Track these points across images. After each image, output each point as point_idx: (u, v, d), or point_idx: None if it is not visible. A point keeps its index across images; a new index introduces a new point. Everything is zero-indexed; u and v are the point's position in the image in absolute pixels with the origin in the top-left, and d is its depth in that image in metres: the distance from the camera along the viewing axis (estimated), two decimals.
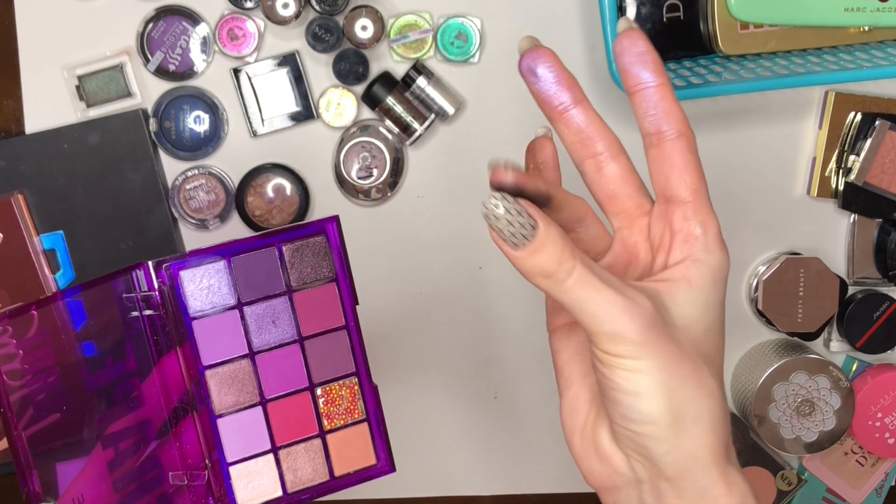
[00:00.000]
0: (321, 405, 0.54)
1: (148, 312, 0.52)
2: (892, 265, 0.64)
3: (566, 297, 0.33)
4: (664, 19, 0.60)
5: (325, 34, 0.60)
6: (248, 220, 0.63)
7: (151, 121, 0.62)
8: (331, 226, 0.53)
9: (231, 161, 0.63)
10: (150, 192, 0.63)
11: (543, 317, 0.66)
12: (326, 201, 0.64)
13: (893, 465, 0.68)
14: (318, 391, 0.54)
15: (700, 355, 0.35)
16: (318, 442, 0.54)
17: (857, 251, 0.65)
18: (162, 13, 0.61)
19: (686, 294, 0.35)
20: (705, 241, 0.35)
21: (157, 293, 0.52)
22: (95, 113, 0.62)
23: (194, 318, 0.52)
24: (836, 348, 0.67)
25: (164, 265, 0.52)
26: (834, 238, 0.66)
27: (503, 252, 0.33)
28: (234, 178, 0.63)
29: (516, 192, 0.34)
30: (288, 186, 0.63)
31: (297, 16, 0.58)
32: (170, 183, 0.63)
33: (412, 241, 0.65)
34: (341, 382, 0.54)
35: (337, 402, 0.54)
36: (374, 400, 0.54)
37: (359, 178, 0.63)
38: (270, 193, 0.63)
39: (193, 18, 0.61)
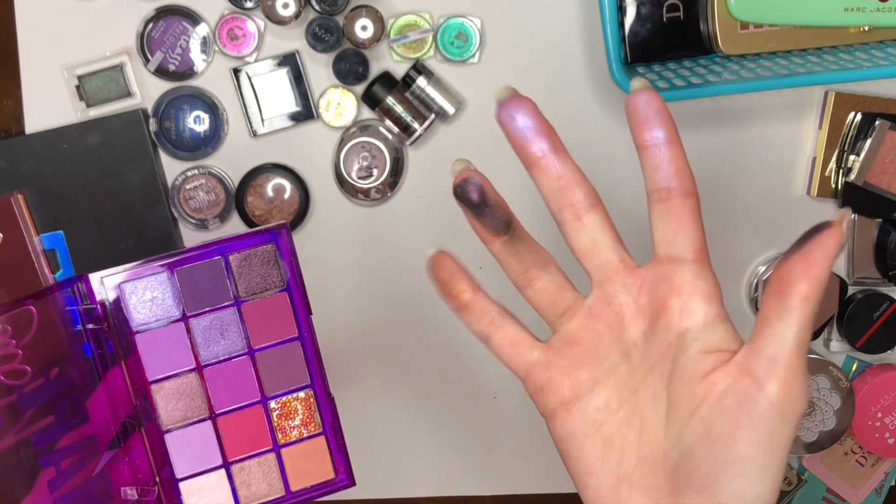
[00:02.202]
0: (275, 419, 0.52)
1: (91, 326, 0.50)
2: (892, 265, 0.64)
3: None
4: (664, 19, 0.60)
5: (325, 34, 0.60)
6: (248, 219, 0.63)
7: (151, 121, 0.62)
8: (280, 233, 0.51)
9: (231, 161, 0.63)
10: (150, 192, 0.63)
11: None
12: (326, 201, 0.64)
13: (893, 465, 0.68)
14: (272, 404, 0.52)
15: None
16: (272, 456, 0.53)
17: (856, 251, 0.65)
18: (162, 13, 0.61)
19: None
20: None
21: (98, 306, 0.51)
22: (95, 113, 0.62)
23: (138, 332, 0.51)
24: (835, 348, 0.67)
25: (105, 277, 0.50)
26: None
27: None
28: (234, 178, 0.63)
29: (479, 203, 0.37)
30: (288, 186, 0.63)
31: (297, 16, 0.58)
32: (170, 183, 0.63)
33: (412, 241, 0.65)
34: (296, 395, 0.52)
35: (292, 416, 0.53)
36: (331, 413, 0.53)
37: (359, 178, 0.63)
38: (270, 193, 0.63)
39: (193, 18, 0.61)
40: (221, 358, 0.52)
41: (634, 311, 0.37)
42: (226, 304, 0.51)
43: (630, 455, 0.36)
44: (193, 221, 0.63)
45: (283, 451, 0.53)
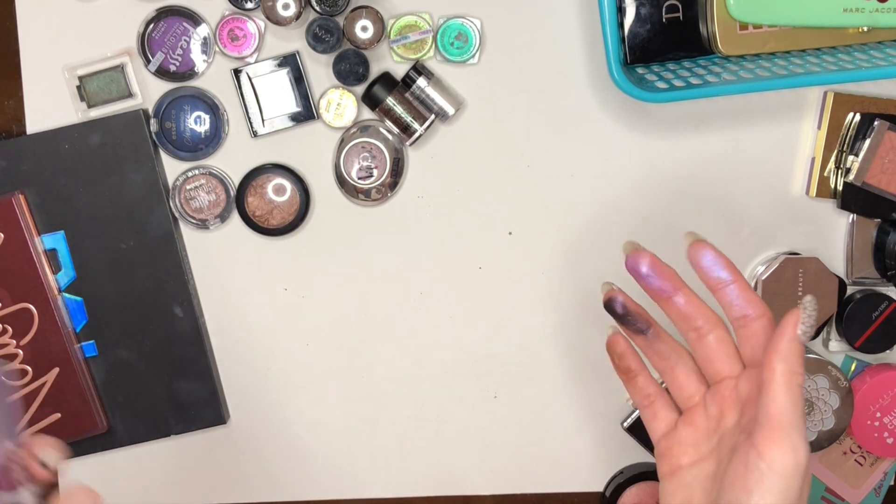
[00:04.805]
0: None
1: None
2: (891, 265, 0.64)
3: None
4: (663, 20, 0.61)
5: (326, 35, 0.60)
6: (248, 220, 0.63)
7: (152, 121, 0.62)
8: None
9: (231, 161, 0.64)
10: (151, 192, 0.63)
11: (543, 316, 0.67)
12: (326, 201, 0.64)
13: (892, 464, 0.69)
14: None
15: None
16: None
17: (855, 251, 0.65)
18: (163, 14, 0.61)
19: None
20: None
21: None
22: (96, 113, 0.62)
23: None
24: (834, 348, 0.67)
25: None
26: (833, 238, 0.66)
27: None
28: (235, 179, 0.63)
29: (623, 314, 0.48)
30: (288, 186, 0.63)
31: (297, 16, 0.59)
32: (170, 183, 0.63)
33: (412, 241, 0.65)
34: None
35: None
36: None
37: (359, 178, 0.63)
38: (271, 193, 0.63)
39: (194, 19, 0.61)
40: None
41: (731, 405, 0.46)
42: None
43: None
44: (194, 221, 0.63)
45: None
